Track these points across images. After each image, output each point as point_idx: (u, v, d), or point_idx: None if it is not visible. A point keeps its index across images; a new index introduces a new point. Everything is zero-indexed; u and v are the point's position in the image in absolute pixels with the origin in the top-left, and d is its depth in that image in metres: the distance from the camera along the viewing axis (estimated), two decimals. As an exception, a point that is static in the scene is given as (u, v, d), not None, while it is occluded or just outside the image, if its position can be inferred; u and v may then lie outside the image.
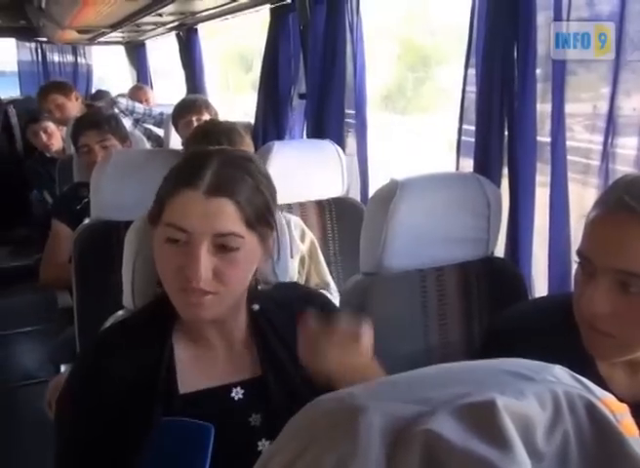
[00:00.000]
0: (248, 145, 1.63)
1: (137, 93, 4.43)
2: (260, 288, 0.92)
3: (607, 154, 1.19)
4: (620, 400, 0.33)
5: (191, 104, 2.59)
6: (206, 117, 2.55)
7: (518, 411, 0.30)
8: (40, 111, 3.15)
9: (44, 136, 3.07)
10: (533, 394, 0.32)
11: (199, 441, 0.78)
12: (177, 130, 2.61)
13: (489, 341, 0.99)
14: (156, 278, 0.87)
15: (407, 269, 1.23)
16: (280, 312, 0.91)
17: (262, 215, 0.82)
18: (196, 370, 0.85)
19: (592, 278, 0.81)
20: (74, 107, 3.01)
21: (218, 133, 1.55)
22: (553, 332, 0.89)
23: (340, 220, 1.86)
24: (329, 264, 1.77)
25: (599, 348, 0.85)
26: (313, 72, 2.25)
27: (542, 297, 1.26)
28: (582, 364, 0.87)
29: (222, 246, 0.79)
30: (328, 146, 1.86)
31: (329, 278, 1.68)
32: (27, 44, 5.74)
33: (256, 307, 0.89)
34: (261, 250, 0.84)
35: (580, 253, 0.84)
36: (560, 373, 0.34)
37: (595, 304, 0.80)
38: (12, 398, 2.55)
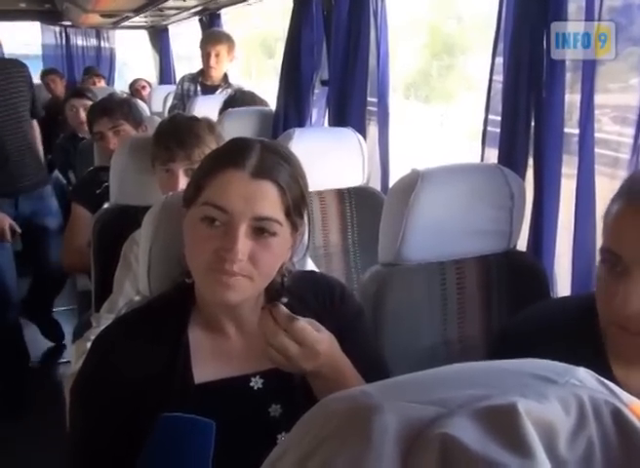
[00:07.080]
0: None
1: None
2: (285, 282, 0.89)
3: (637, 147, 1.15)
4: None
5: None
6: None
7: (540, 416, 0.29)
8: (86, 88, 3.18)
9: (82, 114, 2.96)
10: (556, 398, 0.30)
11: (200, 437, 0.77)
12: None
13: (503, 343, 0.96)
14: (179, 264, 0.86)
15: (426, 261, 1.21)
16: (295, 302, 0.89)
17: (298, 205, 0.81)
18: (212, 360, 0.84)
19: (624, 276, 0.76)
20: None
21: None
22: (567, 335, 0.86)
23: (359, 210, 1.84)
24: (347, 253, 1.76)
25: (630, 350, 0.81)
26: (336, 59, 2.22)
27: (557, 299, 1.24)
28: (598, 367, 0.85)
29: (260, 230, 0.77)
30: (349, 134, 1.84)
31: None
32: (52, 27, 5.79)
33: (284, 301, 0.86)
34: (291, 241, 0.83)
35: (607, 249, 0.79)
36: (585, 377, 0.33)
37: (631, 304, 0.75)
38: (33, 378, 2.59)
